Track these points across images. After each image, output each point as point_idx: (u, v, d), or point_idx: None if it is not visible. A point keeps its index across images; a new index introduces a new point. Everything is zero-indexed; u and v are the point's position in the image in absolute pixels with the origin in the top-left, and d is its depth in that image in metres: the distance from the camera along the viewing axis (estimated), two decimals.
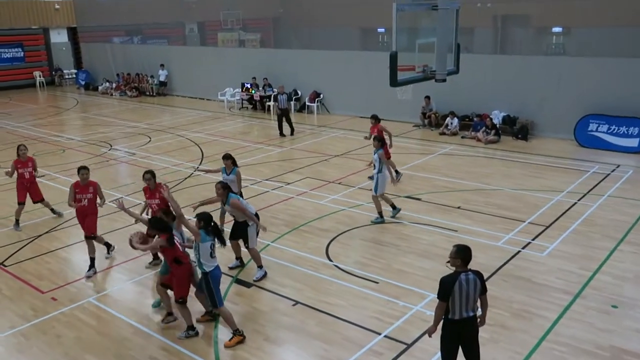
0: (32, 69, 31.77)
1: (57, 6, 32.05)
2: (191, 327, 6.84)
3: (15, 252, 9.45)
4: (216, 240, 6.63)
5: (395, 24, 8.02)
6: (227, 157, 9.35)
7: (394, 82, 8.47)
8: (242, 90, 22.79)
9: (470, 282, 5.07)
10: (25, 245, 9.67)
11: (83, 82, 30.84)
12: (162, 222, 6.72)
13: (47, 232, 10.27)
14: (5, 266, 8.93)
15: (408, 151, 15.42)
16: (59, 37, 33.04)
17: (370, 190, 10.62)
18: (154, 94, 27.18)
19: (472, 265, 5.22)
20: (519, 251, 8.85)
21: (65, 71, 32.76)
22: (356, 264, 8.63)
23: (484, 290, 5.19)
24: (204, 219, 6.61)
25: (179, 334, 6.83)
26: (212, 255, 6.59)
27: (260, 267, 8.28)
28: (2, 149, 16.75)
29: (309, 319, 7.12)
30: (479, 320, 5.31)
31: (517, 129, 16.58)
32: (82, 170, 8.65)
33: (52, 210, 11.05)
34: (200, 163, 14.72)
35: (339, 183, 12.63)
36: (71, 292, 8.06)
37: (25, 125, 20.71)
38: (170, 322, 7.11)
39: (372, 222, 10.23)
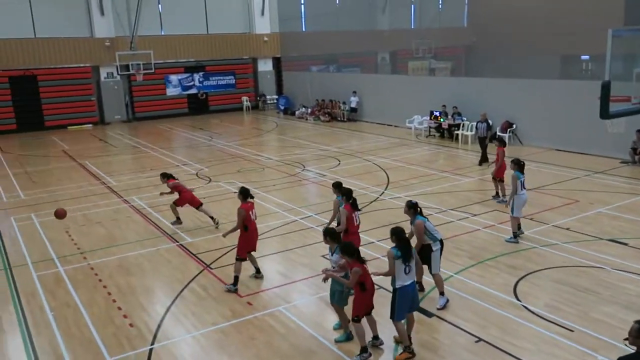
0: (241, 95, 35.42)
1: (265, 39, 35.44)
2: (364, 349, 6.82)
3: (220, 257, 10.54)
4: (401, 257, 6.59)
5: (610, 52, 7.37)
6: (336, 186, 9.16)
7: (605, 114, 7.76)
8: (430, 118, 22.76)
9: None
10: (228, 252, 10.73)
11: (282, 107, 33.52)
12: (352, 247, 6.69)
13: None
14: (212, 269, 10.01)
15: (614, 190, 13.95)
16: (265, 66, 36.44)
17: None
18: (345, 119, 28.41)
19: None
20: None
21: (268, 97, 35.93)
22: (547, 307, 8.00)
23: None
24: (396, 234, 6.71)
25: (354, 358, 6.85)
26: (405, 271, 6.63)
27: (442, 294, 8.17)
28: (214, 164, 18.88)
29: (492, 358, 6.78)
30: None
31: None
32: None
33: (212, 218, 12.15)
34: (386, 188, 14.97)
35: (531, 219, 11.87)
36: (264, 299, 8.72)
37: (233, 144, 23.10)
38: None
39: (506, 241, 10.53)
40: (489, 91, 21.37)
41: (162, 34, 32.79)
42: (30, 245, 11.69)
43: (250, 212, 8.97)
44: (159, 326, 8.02)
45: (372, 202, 13.70)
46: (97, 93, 31.61)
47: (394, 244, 6.74)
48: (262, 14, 35.19)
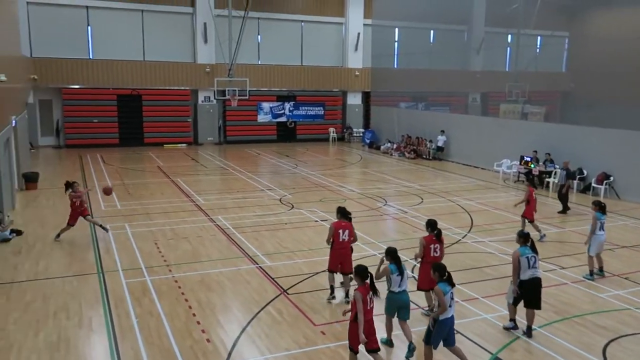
0: (328, 126, 36.03)
1: (357, 73, 36.04)
2: None
3: (297, 283, 10.66)
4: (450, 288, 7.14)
5: None
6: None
7: None
8: (520, 163, 22.05)
9: None
10: (306, 279, 10.83)
11: (368, 141, 33.72)
12: (365, 271, 7.11)
13: (322, 271, 11.35)
14: (289, 294, 10.14)
15: None
16: (354, 100, 36.97)
17: None
18: (431, 157, 28.12)
19: None
20: None
21: (354, 129, 36.32)
22: None
23: None
24: (439, 270, 7.30)
25: None
26: (449, 304, 7.10)
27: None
28: (298, 191, 19.25)
29: None
30: None
31: None
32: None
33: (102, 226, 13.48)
34: (469, 231, 14.59)
35: (626, 278, 11.12)
36: (338, 330, 8.69)
37: (317, 173, 23.45)
38: None
39: (583, 277, 10.85)
40: (585, 140, 20.45)
41: (259, 63, 34.19)
42: (122, 253, 12.36)
43: (340, 231, 9.46)
44: (234, 345, 8.19)
45: (453, 244, 13.37)
46: (193, 115, 33.31)
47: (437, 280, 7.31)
48: (356, 49, 35.90)
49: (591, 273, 11.07)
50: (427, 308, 9.22)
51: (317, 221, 15.36)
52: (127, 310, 9.29)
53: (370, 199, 18.33)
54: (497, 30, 36.36)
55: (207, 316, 9.15)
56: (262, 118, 34.59)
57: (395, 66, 36.27)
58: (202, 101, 33.20)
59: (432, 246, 8.92)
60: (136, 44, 31.53)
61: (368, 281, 7.00)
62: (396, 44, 36.02)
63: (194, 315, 9.19)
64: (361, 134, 35.80)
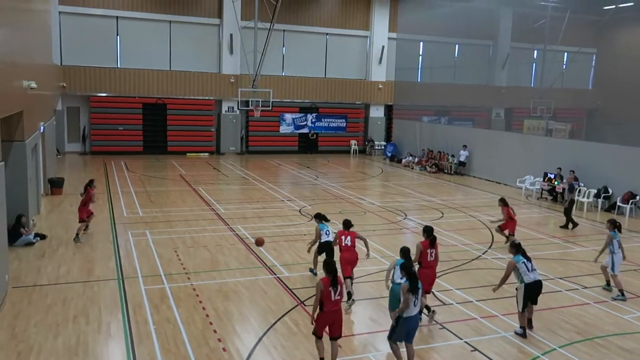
0: (350, 138, 36.07)
1: (380, 86, 36.07)
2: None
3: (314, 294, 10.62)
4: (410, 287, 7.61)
5: None
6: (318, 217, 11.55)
7: None
8: (543, 180, 21.77)
9: None
10: None
11: (389, 154, 33.65)
12: (332, 266, 7.76)
13: None
14: (306, 305, 10.12)
15: None
16: (376, 112, 36.97)
17: None
18: (452, 172, 27.93)
19: None
20: None
21: (376, 142, 36.28)
22: None
23: None
24: (405, 269, 7.84)
25: None
26: (414, 303, 7.64)
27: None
28: (317, 203, 19.28)
29: None
30: None
31: None
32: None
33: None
34: (489, 247, 14.42)
35: None
36: (354, 343, 8.64)
37: (337, 185, 23.45)
38: None
39: (613, 299, 10.77)
40: (610, 158, 20.12)
41: (283, 74, 34.45)
42: (142, 259, 12.49)
43: (343, 237, 10.58)
44: (250, 354, 8.20)
45: (473, 259, 13.23)
46: (216, 124, 33.65)
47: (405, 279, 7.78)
48: (380, 62, 35.97)
49: (622, 293, 10.97)
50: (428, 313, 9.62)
51: (335, 233, 15.37)
52: (145, 317, 9.38)
53: (390, 212, 18.25)
54: (523, 45, 36.14)
55: (224, 325, 9.18)
56: (284, 129, 34.79)
57: (419, 80, 36.25)
58: (226, 111, 33.53)
59: (428, 251, 9.56)
60: (163, 53, 32.04)
61: (332, 276, 7.66)
62: (420, 57, 36.02)
63: (210, 323, 9.23)
64: (383, 147, 35.76)
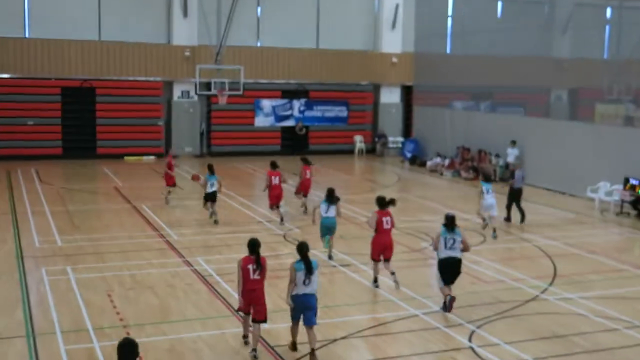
0: (354, 133, 36.21)
1: (394, 59, 36.19)
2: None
3: (304, 355, 10.54)
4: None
5: None
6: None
7: None
8: (624, 188, 21.83)
9: None
10: (319, 348, 10.71)
11: (409, 154, 33.70)
12: (252, 244, 10.42)
13: (341, 338, 11.24)
14: None
15: None
16: (389, 97, 37.16)
17: None
18: (497, 178, 27.96)
19: None
20: None
21: (390, 138, 36.40)
22: None
23: None
24: (299, 249, 10.39)
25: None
26: (304, 282, 10.11)
27: None
28: (308, 224, 19.15)
29: None
30: None
31: None
32: None
33: None
34: (551, 283, 14.41)
35: None
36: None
37: None
38: None
39: None
40: None
41: (258, 44, 34.56)
42: (62, 308, 12.36)
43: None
44: None
45: (528, 301, 13.22)
46: (166, 116, 33.67)
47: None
48: (393, 27, 36.17)
49: None
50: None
51: (335, 266, 15.29)
52: None
53: (410, 236, 18.22)
54: (591, 2, 36.33)
55: None
56: (261, 121, 34.90)
57: (448, 51, 36.33)
58: (179, 97, 33.61)
59: (384, 219, 13.53)
60: (89, 18, 32.08)
61: (255, 256, 10.21)
62: (450, 20, 36.11)
63: None
64: (400, 145, 35.86)
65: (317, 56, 35.27)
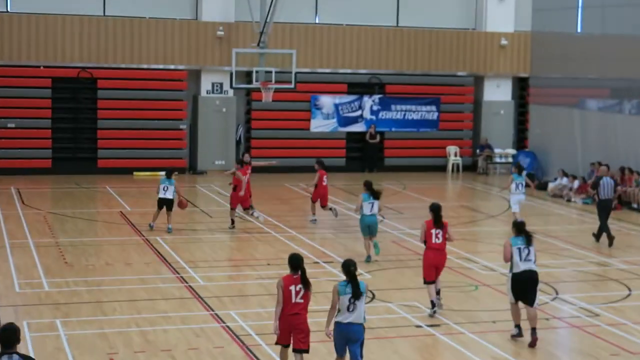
0: (446, 142, 35.91)
1: (503, 41, 35.81)
2: None
3: None
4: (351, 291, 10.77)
5: None
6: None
7: None
8: None
9: None
10: None
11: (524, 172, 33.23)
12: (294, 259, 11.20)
13: None
14: None
15: None
16: (496, 93, 36.80)
17: None
18: None
19: None
20: None
21: (496, 150, 36.01)
22: None
23: None
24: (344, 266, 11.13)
25: None
26: (348, 308, 10.70)
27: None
28: (384, 269, 19.12)
29: None
30: None
31: None
32: None
33: None
34: None
35: None
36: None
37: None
38: None
39: None
40: None
41: (317, 22, 34.61)
42: None
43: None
44: None
45: None
46: (191, 117, 33.92)
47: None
48: None
49: None
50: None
51: (420, 326, 15.12)
52: None
53: None
54: None
55: None
56: (319, 124, 34.91)
57: (579, 29, 35.87)
58: (209, 92, 33.79)
59: (432, 231, 15.17)
60: None
61: (299, 274, 10.98)
62: None
63: None
64: (509, 159, 35.45)
65: (396, 36, 35.16)
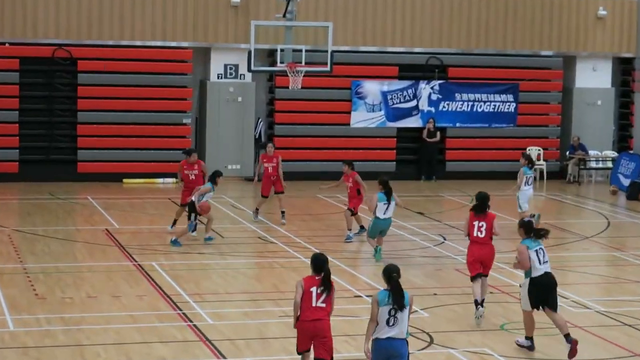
0: (526, 142, 35.82)
1: (602, 11, 35.68)
2: None
3: None
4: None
5: None
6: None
7: None
8: None
9: None
10: None
11: (627, 181, 33.05)
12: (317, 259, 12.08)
13: None
14: None
15: None
16: (591, 78, 36.85)
17: None
18: None
19: None
20: None
21: (592, 152, 35.95)
22: None
23: None
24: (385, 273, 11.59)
25: None
26: (387, 322, 11.14)
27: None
28: (446, 304, 19.07)
29: None
30: None
31: None
32: None
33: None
34: None
35: None
36: None
37: (500, 264, 22.90)
38: None
39: None
40: None
41: None
42: None
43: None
44: None
45: None
46: (197, 109, 34.12)
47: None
48: None
49: None
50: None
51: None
52: None
53: (630, 333, 17.85)
54: None
55: None
56: (361, 118, 35.04)
57: None
58: (219, 76, 33.95)
59: (475, 223, 17.12)
60: None
61: (321, 275, 11.88)
62: None
63: None
64: (609, 165, 35.34)
65: (463, 7, 35.21)
